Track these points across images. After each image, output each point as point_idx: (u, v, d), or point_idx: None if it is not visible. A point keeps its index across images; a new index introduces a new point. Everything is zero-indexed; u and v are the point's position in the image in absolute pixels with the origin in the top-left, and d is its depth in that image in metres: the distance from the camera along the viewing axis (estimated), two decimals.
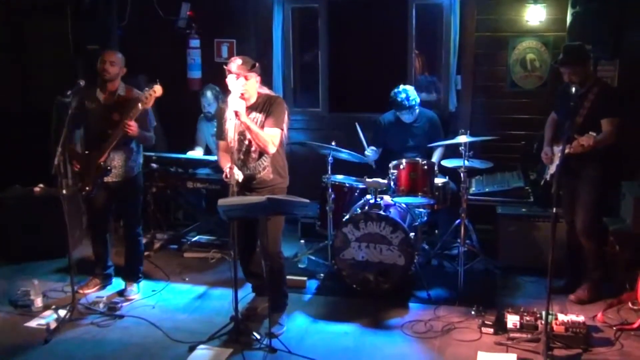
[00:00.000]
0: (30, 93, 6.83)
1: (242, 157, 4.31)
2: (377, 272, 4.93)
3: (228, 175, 4.13)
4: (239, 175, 4.19)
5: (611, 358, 4.02)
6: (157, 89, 4.60)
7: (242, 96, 4.13)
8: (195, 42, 6.62)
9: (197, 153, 6.13)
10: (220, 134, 4.40)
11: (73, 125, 4.79)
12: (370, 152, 5.74)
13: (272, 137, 4.21)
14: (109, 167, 4.75)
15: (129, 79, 5.05)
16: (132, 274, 5.11)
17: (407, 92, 5.63)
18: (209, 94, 6.08)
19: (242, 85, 4.13)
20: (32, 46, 6.78)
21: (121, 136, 4.67)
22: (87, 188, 4.75)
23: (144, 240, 5.36)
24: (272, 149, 4.23)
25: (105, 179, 4.81)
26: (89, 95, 4.80)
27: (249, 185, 4.35)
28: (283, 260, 4.54)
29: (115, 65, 4.76)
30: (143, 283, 5.19)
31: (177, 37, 6.61)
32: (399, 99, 5.61)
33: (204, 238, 6.26)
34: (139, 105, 4.59)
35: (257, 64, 4.20)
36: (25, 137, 6.51)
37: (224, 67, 4.17)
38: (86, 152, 4.80)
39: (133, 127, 4.63)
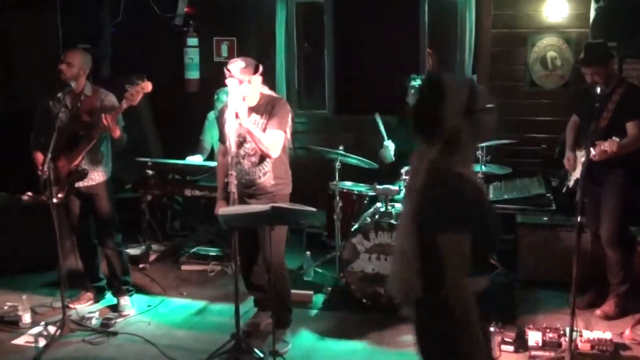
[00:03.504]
0: (16, 94, 6.84)
1: (241, 160, 4.31)
2: None
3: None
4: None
5: None
6: (146, 86, 4.56)
7: (244, 98, 4.14)
8: (193, 41, 6.64)
9: (196, 159, 6.09)
10: (221, 137, 4.40)
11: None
12: (389, 144, 5.64)
13: (275, 140, 4.21)
14: (85, 171, 4.74)
15: (121, 80, 5.03)
16: (120, 287, 5.09)
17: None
18: (225, 99, 6.01)
19: (246, 90, 4.14)
20: (19, 43, 6.76)
21: (98, 138, 4.67)
22: (59, 195, 4.67)
23: (138, 252, 5.31)
24: (275, 153, 4.23)
25: (77, 185, 4.78)
26: (53, 98, 4.78)
27: (248, 191, 4.35)
28: (286, 272, 4.55)
29: (72, 67, 4.70)
30: (138, 297, 5.18)
31: (174, 35, 6.61)
32: (413, 77, 5.62)
33: (202, 249, 6.22)
34: (123, 102, 4.56)
35: (260, 66, 4.21)
36: (11, 141, 6.53)
37: (225, 69, 4.16)
38: (50, 157, 4.60)
39: (116, 130, 4.62)
